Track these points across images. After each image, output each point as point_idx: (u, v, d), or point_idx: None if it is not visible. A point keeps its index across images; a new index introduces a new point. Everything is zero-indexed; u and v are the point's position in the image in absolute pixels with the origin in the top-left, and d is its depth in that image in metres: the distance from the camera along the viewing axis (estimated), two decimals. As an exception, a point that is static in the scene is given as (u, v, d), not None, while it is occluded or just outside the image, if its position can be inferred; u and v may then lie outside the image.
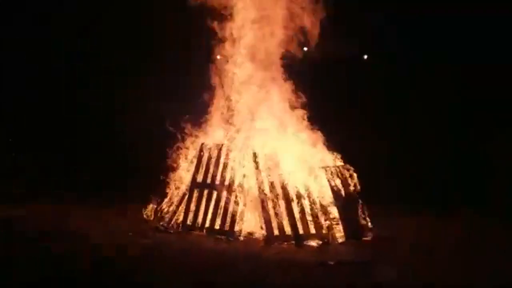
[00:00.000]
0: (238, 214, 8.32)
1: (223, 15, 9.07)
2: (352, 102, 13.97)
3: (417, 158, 13.29)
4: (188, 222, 8.73)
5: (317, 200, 8.49)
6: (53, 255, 7.08)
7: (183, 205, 8.96)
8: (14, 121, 13.83)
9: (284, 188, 8.40)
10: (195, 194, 8.83)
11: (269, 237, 8.12)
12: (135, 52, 13.59)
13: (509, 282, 6.56)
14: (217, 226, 8.45)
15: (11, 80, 13.91)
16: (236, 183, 8.49)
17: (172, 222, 8.95)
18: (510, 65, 13.16)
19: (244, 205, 8.37)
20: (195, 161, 9.10)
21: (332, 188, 8.56)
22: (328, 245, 8.16)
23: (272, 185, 8.39)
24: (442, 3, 13.28)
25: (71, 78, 14.26)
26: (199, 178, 8.89)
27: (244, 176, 8.50)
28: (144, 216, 9.39)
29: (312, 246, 8.13)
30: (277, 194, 8.36)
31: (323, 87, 12.95)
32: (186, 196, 8.93)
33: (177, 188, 9.28)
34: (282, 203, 8.32)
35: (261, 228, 8.23)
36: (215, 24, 9.10)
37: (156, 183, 9.53)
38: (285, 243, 8.11)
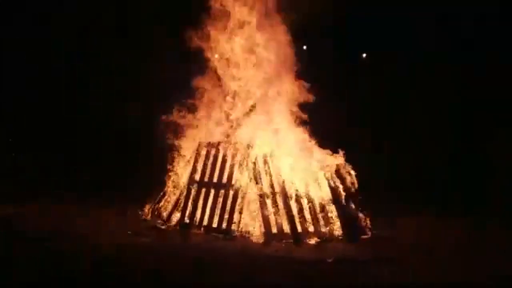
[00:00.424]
0: (236, 212, 8.32)
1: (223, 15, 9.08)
2: (352, 102, 13.96)
3: (417, 158, 13.31)
4: (186, 221, 8.73)
5: (315, 199, 8.49)
6: (53, 255, 7.08)
7: (181, 204, 8.96)
8: (14, 121, 13.83)
9: (282, 186, 8.41)
10: (193, 193, 8.83)
11: (267, 235, 8.12)
12: (135, 52, 13.59)
13: (509, 282, 6.57)
14: (215, 225, 8.45)
15: (11, 80, 13.92)
16: (234, 181, 8.49)
17: (170, 221, 8.96)
18: (510, 65, 13.18)
19: (242, 203, 8.37)
20: (192, 159, 9.10)
21: (330, 186, 8.56)
22: (327, 243, 8.16)
23: (271, 184, 8.39)
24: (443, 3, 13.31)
25: (71, 78, 14.27)
26: (197, 177, 8.90)
27: (242, 174, 8.50)
28: (143, 215, 9.40)
29: (311, 244, 8.13)
30: (276, 193, 8.36)
31: (323, 86, 12.96)
32: (184, 195, 8.93)
33: (175, 186, 9.28)
34: (280, 202, 8.32)
35: (260, 226, 8.22)
36: (214, 24, 9.12)
37: (154, 182, 9.54)
38: (284, 241, 8.11)
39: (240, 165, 8.55)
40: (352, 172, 8.81)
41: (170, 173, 9.40)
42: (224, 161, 8.72)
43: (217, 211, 8.48)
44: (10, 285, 6.04)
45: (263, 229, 8.17)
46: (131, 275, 6.39)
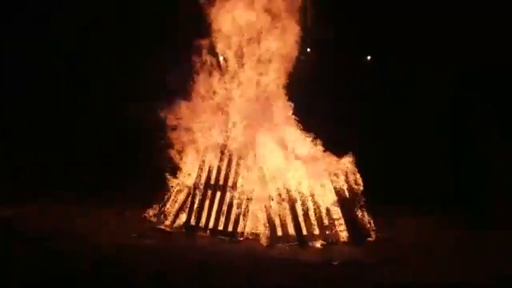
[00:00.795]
0: (241, 214, 8.31)
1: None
2: (353, 102, 13.96)
3: (417, 158, 13.30)
4: (191, 223, 8.72)
5: (320, 201, 8.48)
6: (53, 255, 7.08)
7: (186, 206, 8.94)
8: (14, 121, 13.82)
9: (287, 189, 8.40)
10: (198, 195, 8.82)
11: (272, 237, 8.11)
12: (135, 52, 13.59)
13: (509, 282, 6.57)
14: (220, 227, 8.44)
15: (11, 80, 13.91)
16: (240, 183, 8.48)
17: (175, 223, 8.94)
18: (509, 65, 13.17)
19: (248, 205, 8.36)
20: (198, 161, 9.08)
21: (335, 189, 8.55)
22: (332, 246, 8.15)
23: (276, 186, 8.38)
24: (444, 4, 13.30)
25: (71, 78, 14.26)
26: (203, 179, 8.88)
27: (248, 177, 8.49)
28: (147, 216, 9.38)
29: (316, 247, 8.12)
30: (281, 195, 8.35)
31: (324, 87, 12.96)
32: (189, 197, 8.91)
33: (180, 189, 9.26)
34: (285, 204, 8.31)
35: (265, 228, 8.21)
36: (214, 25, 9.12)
37: (158, 183, 9.53)
38: (289, 244, 8.10)
39: (246, 167, 8.54)
40: (357, 174, 8.80)
41: (175, 174, 9.38)
42: (229, 163, 8.70)
43: (223, 214, 8.48)
44: (10, 285, 6.04)
45: (268, 232, 8.16)
46: (131, 276, 6.39)
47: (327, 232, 8.33)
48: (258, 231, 8.33)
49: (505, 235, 8.90)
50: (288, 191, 8.39)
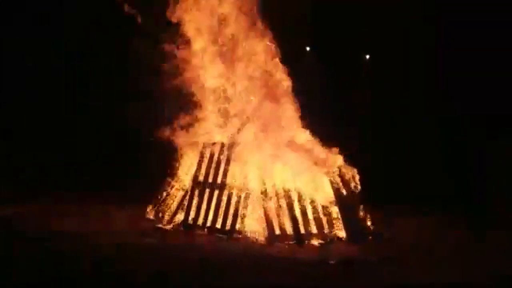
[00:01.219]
0: (239, 213, 8.32)
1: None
2: (352, 102, 13.96)
3: (417, 158, 13.30)
4: (189, 221, 8.73)
5: (318, 200, 8.49)
6: (53, 255, 7.08)
7: (184, 204, 8.95)
8: (14, 121, 13.82)
9: (285, 187, 8.40)
10: (197, 193, 8.82)
11: (270, 236, 8.12)
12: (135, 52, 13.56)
13: (509, 282, 6.56)
14: (218, 225, 8.45)
15: (11, 80, 13.91)
16: (238, 182, 8.49)
17: (173, 221, 8.95)
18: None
19: (246, 204, 8.37)
20: (196, 160, 9.09)
21: (333, 187, 8.56)
22: (330, 244, 8.15)
23: (274, 185, 8.39)
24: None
25: (71, 78, 14.27)
26: (201, 177, 8.89)
27: (245, 175, 8.50)
28: (145, 215, 9.39)
29: (314, 246, 8.13)
30: (279, 194, 8.36)
31: (324, 87, 12.97)
32: (188, 195, 8.92)
33: (178, 187, 9.27)
34: (283, 203, 8.32)
35: (263, 227, 8.22)
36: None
37: (157, 182, 9.53)
38: (287, 242, 8.11)
39: (244, 166, 8.54)
40: (355, 173, 8.81)
41: (173, 173, 9.38)
42: (228, 161, 8.71)
43: (221, 212, 8.48)
44: (10, 285, 6.04)
45: (266, 230, 8.17)
46: (131, 275, 6.39)
47: (324, 231, 8.33)
48: (256, 230, 8.33)
49: (505, 235, 8.90)
50: (286, 190, 8.39)
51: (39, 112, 13.88)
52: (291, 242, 8.13)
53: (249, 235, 8.31)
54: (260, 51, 9.05)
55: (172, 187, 9.34)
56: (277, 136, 8.80)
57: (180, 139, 9.25)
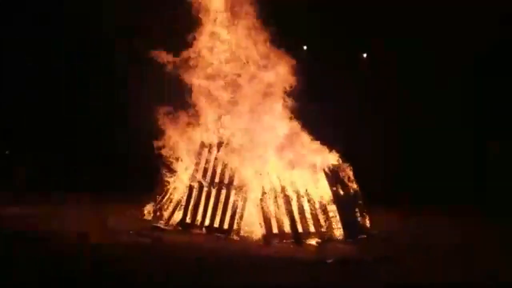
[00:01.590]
0: (237, 212, 8.32)
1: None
2: (350, 102, 13.95)
3: (416, 158, 13.30)
4: (187, 221, 8.73)
5: (316, 199, 8.50)
6: (53, 255, 7.08)
7: (182, 204, 8.95)
8: (14, 121, 13.83)
9: (283, 187, 8.41)
10: (194, 193, 8.83)
11: (268, 235, 8.13)
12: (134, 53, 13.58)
13: (509, 282, 6.57)
14: (216, 225, 8.45)
15: (11, 80, 13.92)
16: (236, 181, 8.50)
17: (171, 221, 8.96)
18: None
19: (244, 203, 8.37)
20: (193, 159, 9.09)
21: (331, 187, 8.57)
22: (327, 243, 8.16)
23: (271, 184, 8.40)
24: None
25: (71, 78, 14.27)
26: (198, 177, 8.90)
27: (243, 175, 8.50)
28: (143, 215, 9.39)
29: (311, 245, 8.13)
30: (277, 193, 8.37)
31: (321, 87, 12.96)
32: (185, 195, 8.93)
33: (176, 186, 9.28)
34: (281, 202, 8.33)
35: (261, 226, 8.22)
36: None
37: (155, 182, 9.54)
38: (285, 241, 8.12)
39: (241, 165, 8.55)
40: (351, 172, 8.81)
41: (171, 173, 9.39)
42: (225, 161, 8.70)
43: (219, 211, 8.48)
44: (10, 285, 6.04)
45: (264, 230, 8.17)
46: (131, 275, 6.39)
47: (322, 230, 8.34)
48: (254, 229, 8.33)
49: (505, 236, 8.90)
50: (284, 189, 8.40)
51: (39, 112, 13.88)
52: (288, 241, 8.13)
53: (247, 234, 8.31)
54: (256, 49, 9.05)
55: (171, 186, 9.34)
56: (274, 136, 8.81)
57: (179, 139, 9.26)
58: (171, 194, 9.30)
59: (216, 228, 8.44)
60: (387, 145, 13.18)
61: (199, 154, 9.04)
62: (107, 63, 13.79)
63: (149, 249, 7.60)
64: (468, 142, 13.30)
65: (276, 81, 9.01)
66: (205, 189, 8.77)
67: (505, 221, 9.90)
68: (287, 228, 8.25)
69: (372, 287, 6.33)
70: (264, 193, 8.33)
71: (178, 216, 8.94)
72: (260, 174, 8.46)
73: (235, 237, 8.23)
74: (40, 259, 6.91)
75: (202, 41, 9.11)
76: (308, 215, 8.40)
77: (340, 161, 8.89)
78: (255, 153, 8.58)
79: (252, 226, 8.42)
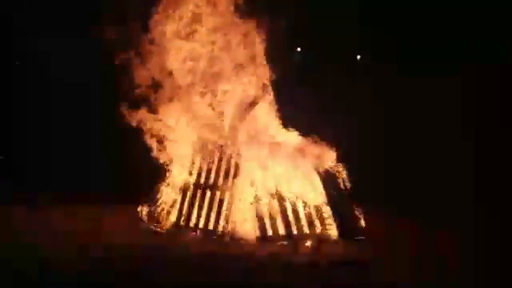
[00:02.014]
0: (232, 214, 8.31)
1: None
2: (347, 101, 13.95)
3: (415, 158, 13.29)
4: (182, 223, 8.73)
5: (310, 200, 8.50)
6: (52, 255, 7.08)
7: (176, 206, 8.94)
8: (14, 121, 13.82)
9: (277, 188, 8.42)
10: (189, 194, 8.82)
11: (262, 237, 8.12)
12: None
13: (509, 283, 6.57)
14: (210, 227, 8.45)
15: (11, 80, 13.91)
16: (230, 183, 8.49)
17: (165, 223, 8.94)
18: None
19: (238, 205, 8.38)
20: (188, 161, 9.08)
21: (325, 187, 8.57)
22: (322, 245, 8.15)
23: (265, 186, 8.40)
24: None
25: (71, 78, 14.25)
26: (193, 178, 8.89)
27: (238, 176, 8.50)
28: (139, 216, 9.37)
29: (306, 246, 8.13)
30: (271, 194, 8.37)
31: (315, 86, 12.96)
32: (180, 197, 8.92)
33: (171, 188, 9.25)
34: (275, 203, 8.32)
35: (255, 228, 8.21)
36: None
37: (151, 183, 9.53)
38: (279, 243, 8.12)
39: (236, 167, 8.54)
40: (346, 173, 8.82)
41: (165, 175, 9.37)
42: (219, 163, 8.70)
43: (213, 213, 8.49)
44: (10, 285, 6.05)
45: (258, 231, 8.17)
46: (128, 276, 6.41)
47: (317, 232, 8.34)
48: (249, 231, 8.32)
49: (505, 236, 8.89)
50: (278, 190, 8.40)
51: (40, 112, 13.87)
52: (283, 243, 8.12)
53: (241, 236, 8.30)
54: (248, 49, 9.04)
55: (164, 188, 9.32)
56: (267, 136, 8.81)
57: (175, 141, 9.24)
58: (166, 196, 9.26)
59: (210, 230, 8.45)
60: (386, 145, 13.17)
61: (193, 155, 9.02)
62: (107, 63, 13.76)
63: (146, 250, 7.59)
64: (467, 142, 13.29)
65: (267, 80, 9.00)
66: (199, 191, 8.75)
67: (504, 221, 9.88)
68: (281, 229, 8.24)
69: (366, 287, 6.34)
70: (258, 194, 8.33)
71: (173, 218, 8.92)
72: (254, 176, 8.45)
73: (229, 239, 8.21)
74: (40, 259, 6.92)
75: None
76: (302, 216, 8.39)
77: (335, 162, 8.88)
78: (250, 154, 8.56)
79: (246, 228, 8.40)
